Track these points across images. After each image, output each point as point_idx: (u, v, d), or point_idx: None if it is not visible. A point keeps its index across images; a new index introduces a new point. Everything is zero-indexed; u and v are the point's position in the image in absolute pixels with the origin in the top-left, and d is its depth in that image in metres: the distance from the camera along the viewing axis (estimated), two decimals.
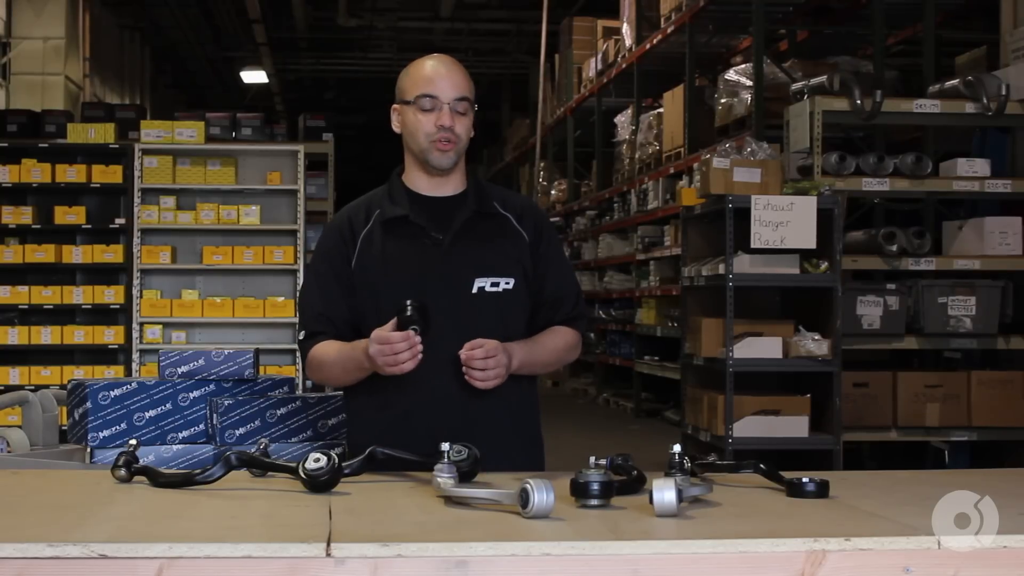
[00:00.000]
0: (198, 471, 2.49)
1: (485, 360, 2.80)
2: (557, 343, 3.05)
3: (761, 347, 6.70)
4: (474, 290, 2.94)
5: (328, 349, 2.97)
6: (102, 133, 9.72)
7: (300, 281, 9.44)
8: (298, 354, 9.30)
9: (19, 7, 15.04)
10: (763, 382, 6.96)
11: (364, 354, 2.82)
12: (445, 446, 2.46)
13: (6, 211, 9.51)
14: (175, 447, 3.78)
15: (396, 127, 3.07)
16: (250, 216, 9.41)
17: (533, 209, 3.14)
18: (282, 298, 9.40)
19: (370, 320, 2.93)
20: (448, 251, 2.94)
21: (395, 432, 2.82)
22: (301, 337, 3.03)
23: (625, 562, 1.93)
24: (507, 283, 2.97)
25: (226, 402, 3.75)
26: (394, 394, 2.91)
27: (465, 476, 2.50)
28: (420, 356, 2.75)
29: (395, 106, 3.05)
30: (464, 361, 2.81)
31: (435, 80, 2.95)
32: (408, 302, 2.75)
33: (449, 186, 3.02)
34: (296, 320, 9.28)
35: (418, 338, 2.74)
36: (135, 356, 9.35)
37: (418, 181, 3.03)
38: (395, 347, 2.74)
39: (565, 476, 2.33)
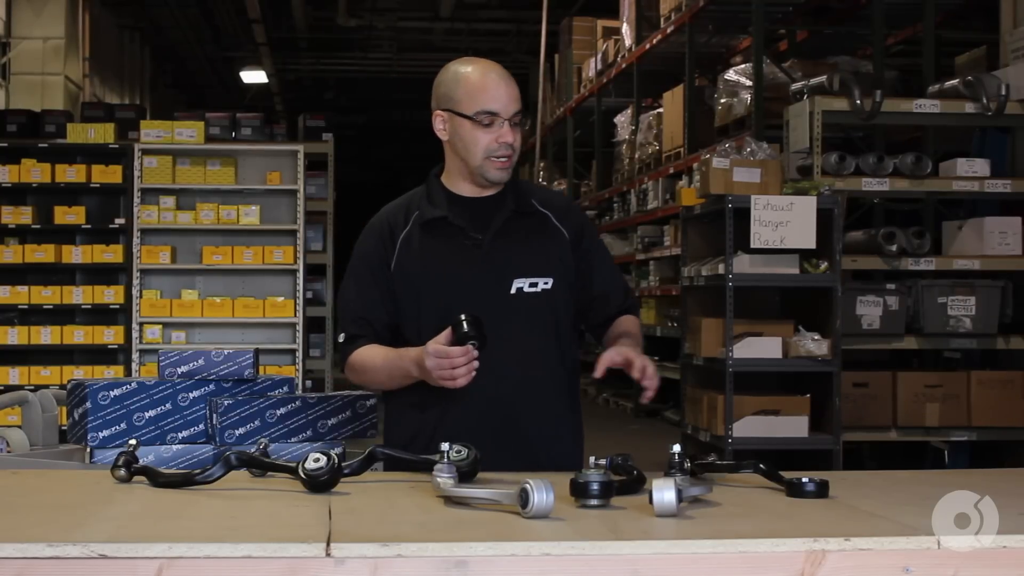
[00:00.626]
0: (198, 471, 2.49)
1: (651, 370, 2.83)
2: (634, 324, 3.10)
3: (761, 347, 6.70)
4: (512, 290, 2.94)
5: (373, 354, 2.95)
6: (102, 133, 9.73)
7: (299, 282, 9.45)
8: (299, 354, 9.38)
9: (19, 7, 15.04)
10: (763, 382, 6.96)
11: (413, 363, 2.81)
12: (445, 446, 2.46)
13: (6, 211, 9.51)
14: (175, 447, 3.78)
15: (442, 134, 2.99)
16: (250, 216, 9.41)
17: (573, 206, 3.16)
18: (282, 298, 9.40)
19: (410, 323, 2.95)
20: (487, 252, 2.94)
21: (435, 434, 2.78)
22: (340, 340, 3.02)
23: (625, 562, 1.93)
24: (545, 283, 2.96)
25: (226, 402, 3.75)
26: (434, 396, 2.89)
27: (465, 476, 2.50)
28: (475, 372, 2.74)
29: (441, 112, 2.97)
30: (649, 382, 2.81)
31: (494, 95, 2.90)
32: (463, 316, 2.73)
33: (489, 187, 3.01)
34: (296, 320, 9.34)
35: (475, 352, 2.73)
36: (135, 356, 9.35)
37: (459, 184, 3.01)
38: (454, 362, 2.72)
39: (565, 476, 2.33)
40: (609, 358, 2.85)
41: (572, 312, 3.04)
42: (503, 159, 2.92)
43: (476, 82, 2.91)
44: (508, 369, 2.90)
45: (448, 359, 2.72)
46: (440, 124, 2.97)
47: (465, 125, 2.91)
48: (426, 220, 2.97)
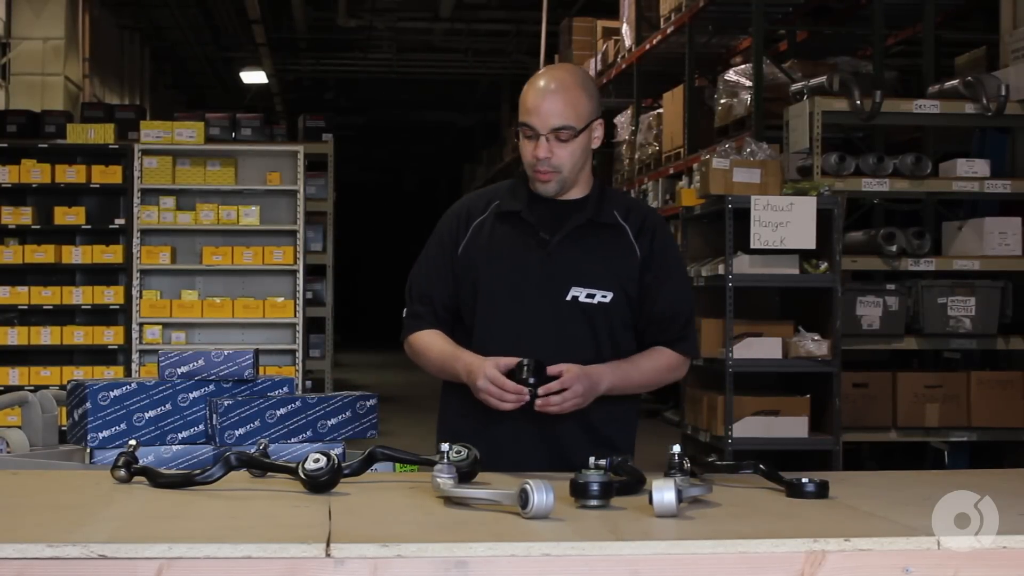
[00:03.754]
0: (198, 471, 2.49)
1: (562, 398, 2.77)
2: (657, 364, 3.01)
3: (761, 347, 6.70)
4: (568, 297, 2.92)
5: (431, 343, 2.99)
6: (102, 133, 9.72)
7: (299, 282, 9.45)
8: (299, 354, 9.38)
9: (19, 7, 15.03)
10: (763, 382, 6.96)
11: (464, 370, 2.85)
12: (445, 446, 2.46)
13: (6, 211, 9.51)
14: (175, 447, 3.78)
15: None
16: (250, 216, 9.41)
17: (654, 221, 3.05)
18: (282, 298, 9.40)
19: (466, 307, 2.98)
20: (550, 253, 2.93)
21: (479, 436, 2.77)
22: (404, 315, 3.07)
23: (625, 562, 1.93)
24: (604, 296, 2.93)
25: (226, 403, 3.75)
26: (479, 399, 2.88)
27: (465, 477, 2.50)
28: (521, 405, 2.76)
29: None
30: (539, 407, 2.77)
31: (532, 110, 2.90)
32: (525, 362, 2.75)
33: (571, 191, 3.00)
34: (296, 320, 9.34)
35: (527, 396, 2.76)
36: (135, 356, 9.35)
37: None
38: (504, 395, 2.76)
39: (565, 476, 2.33)
40: (558, 367, 2.79)
41: (631, 329, 3.01)
42: (543, 173, 2.92)
43: (524, 94, 2.94)
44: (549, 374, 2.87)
45: (500, 390, 2.76)
46: None
47: (520, 133, 2.96)
48: (502, 211, 2.99)
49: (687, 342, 3.05)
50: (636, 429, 3.13)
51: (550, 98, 2.89)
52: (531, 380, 2.76)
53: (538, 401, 2.77)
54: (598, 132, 2.97)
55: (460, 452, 2.56)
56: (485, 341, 2.94)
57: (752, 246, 6.56)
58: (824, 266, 6.66)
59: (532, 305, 2.90)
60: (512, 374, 2.78)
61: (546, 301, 2.92)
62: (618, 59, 13.55)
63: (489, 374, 2.78)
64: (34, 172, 9.50)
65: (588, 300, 2.93)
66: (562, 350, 2.88)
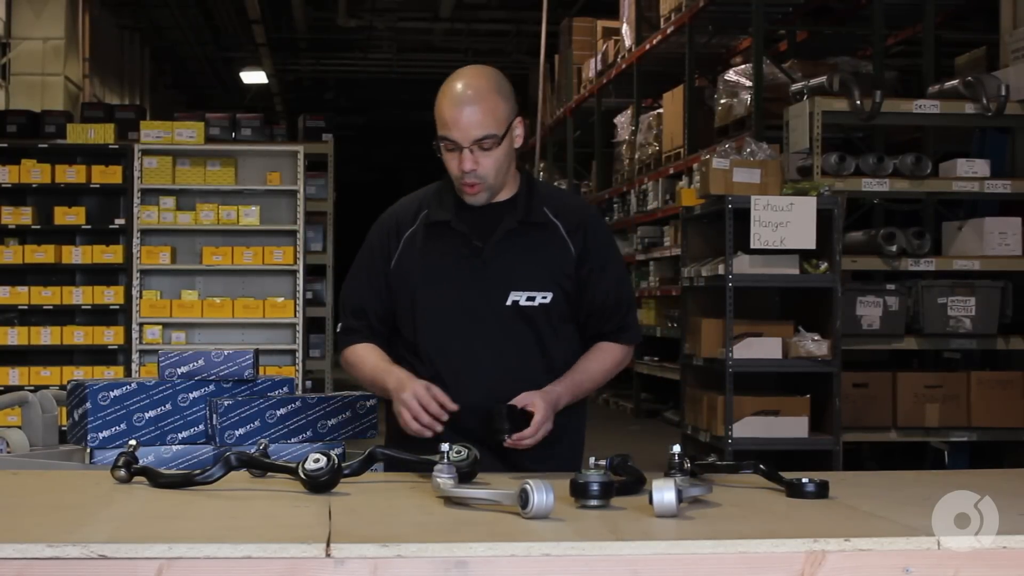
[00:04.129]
0: (198, 471, 2.49)
1: (533, 433, 2.79)
2: (604, 365, 3.02)
3: (761, 347, 6.70)
4: (508, 303, 2.90)
5: (365, 357, 2.98)
6: (102, 133, 9.72)
7: (299, 282, 9.45)
8: (299, 354, 9.37)
9: (19, 7, 15.04)
10: (763, 382, 6.96)
11: (395, 383, 2.84)
12: (445, 446, 2.46)
13: (6, 211, 9.51)
14: (175, 447, 3.78)
15: None
16: (250, 216, 9.41)
17: (585, 215, 3.03)
18: (282, 298, 9.40)
19: (405, 320, 2.96)
20: (486, 262, 2.90)
21: (428, 441, 2.78)
22: (338, 329, 3.05)
23: (625, 562, 1.93)
24: (544, 297, 2.92)
25: (226, 403, 3.75)
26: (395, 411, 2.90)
27: (464, 477, 2.51)
28: (435, 432, 2.77)
29: None
30: (510, 445, 2.78)
31: (451, 123, 2.83)
32: (498, 410, 2.76)
33: (499, 194, 2.96)
34: (296, 320, 9.34)
35: (440, 427, 2.76)
36: (135, 356, 9.35)
37: None
38: (420, 414, 2.76)
39: (565, 476, 2.33)
40: (521, 400, 2.81)
41: (573, 322, 3.00)
42: (469, 186, 2.87)
43: (440, 107, 2.86)
44: (497, 383, 2.88)
45: (418, 407, 2.76)
46: None
47: (440, 144, 2.90)
48: (431, 222, 2.95)
49: (629, 331, 3.05)
50: (584, 436, 3.12)
51: (468, 109, 2.81)
52: (507, 426, 2.77)
53: (508, 440, 2.78)
54: (519, 131, 2.91)
55: (460, 452, 2.56)
56: (432, 356, 2.93)
57: (752, 246, 6.56)
58: (824, 266, 6.66)
59: (474, 315, 2.88)
60: (490, 423, 2.77)
61: (487, 309, 2.90)
62: (618, 59, 13.56)
63: (419, 392, 2.77)
64: (34, 172, 9.50)
65: (529, 303, 2.91)
66: (508, 356, 2.90)
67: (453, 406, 2.79)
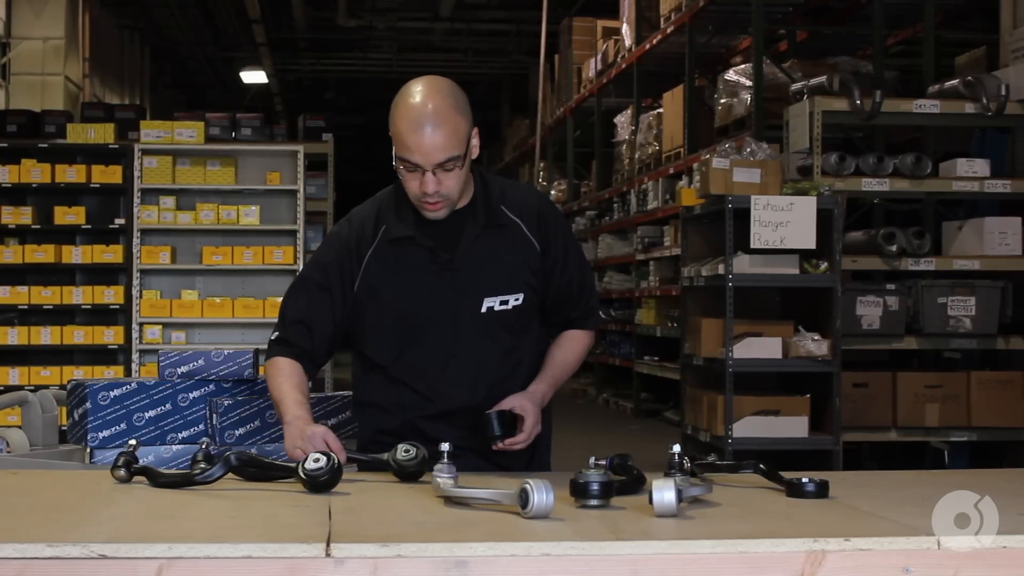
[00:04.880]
0: (198, 471, 2.49)
1: (526, 436, 2.81)
2: (575, 352, 3.05)
3: (761, 347, 6.70)
4: (483, 309, 2.89)
5: (280, 375, 2.90)
6: (102, 133, 9.72)
7: None
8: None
9: (19, 7, 15.04)
10: (763, 382, 6.97)
11: (288, 423, 2.78)
12: (445, 446, 2.47)
13: (6, 211, 9.51)
14: (175, 447, 3.78)
15: None
16: (250, 216, 9.41)
17: (543, 209, 2.99)
18: (282, 298, 9.39)
19: (373, 340, 2.92)
20: (455, 272, 2.87)
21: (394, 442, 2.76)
22: (272, 337, 2.97)
23: (625, 562, 1.93)
24: (516, 299, 2.91)
25: (226, 402, 3.75)
26: (405, 410, 2.91)
27: (411, 476, 2.57)
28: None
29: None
30: (501, 448, 2.80)
31: (413, 148, 2.74)
32: (490, 415, 2.77)
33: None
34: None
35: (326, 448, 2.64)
36: (135, 356, 9.35)
37: None
38: (297, 456, 2.65)
39: (565, 476, 2.33)
40: (509, 404, 2.81)
41: (540, 312, 3.02)
42: (431, 204, 2.81)
43: (398, 128, 2.78)
44: (478, 384, 2.89)
45: (302, 453, 2.62)
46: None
47: (396, 160, 2.82)
48: (393, 238, 2.89)
49: (591, 316, 3.08)
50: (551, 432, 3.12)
51: (430, 135, 2.72)
52: (498, 432, 2.79)
53: (500, 444, 2.79)
54: (475, 141, 2.83)
55: (408, 451, 2.59)
56: (414, 371, 2.90)
57: (752, 246, 6.56)
58: (824, 266, 6.66)
59: (451, 327, 2.87)
60: (482, 430, 2.78)
61: (463, 319, 2.88)
62: (618, 59, 13.56)
63: (311, 435, 2.68)
64: (34, 172, 9.50)
65: (503, 307, 2.91)
66: (487, 361, 2.90)
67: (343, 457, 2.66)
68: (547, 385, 2.93)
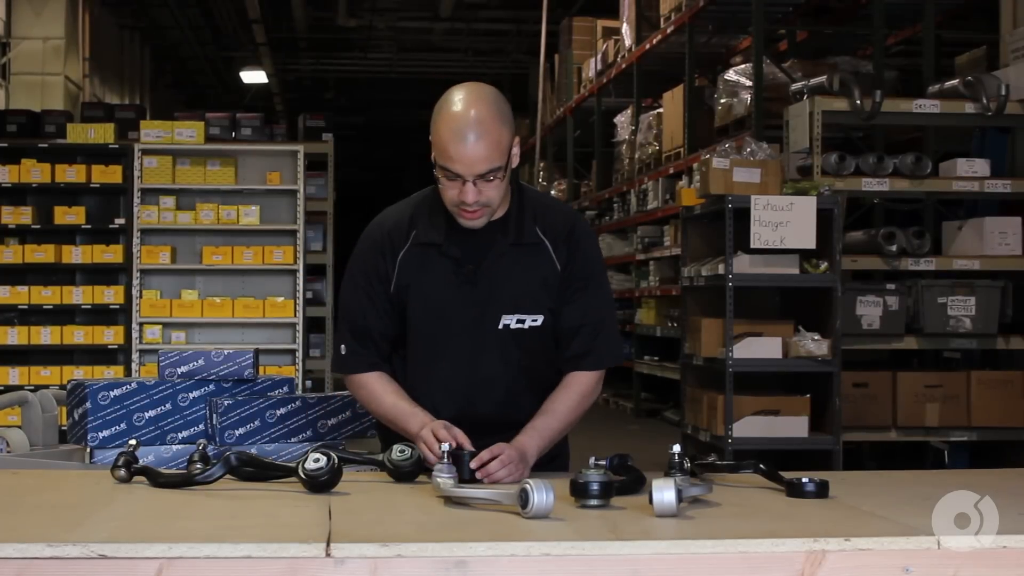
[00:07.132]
0: (198, 471, 2.49)
1: (504, 468, 2.65)
2: (572, 401, 2.89)
3: (761, 347, 6.70)
4: (500, 326, 2.86)
5: (383, 392, 2.88)
6: (102, 133, 9.72)
7: (299, 281, 9.44)
8: (299, 354, 9.37)
9: (19, 7, 15.04)
10: (763, 382, 6.96)
11: (414, 432, 2.75)
12: (445, 446, 2.47)
13: (6, 211, 9.50)
14: (175, 447, 3.78)
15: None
16: (250, 216, 9.40)
17: (575, 233, 2.92)
18: (282, 298, 9.39)
19: (407, 337, 2.91)
20: (476, 285, 2.85)
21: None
22: (342, 352, 2.95)
23: (625, 562, 1.93)
24: (534, 320, 2.87)
25: (226, 402, 3.75)
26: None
27: (406, 476, 2.58)
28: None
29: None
30: (481, 475, 2.65)
31: (455, 158, 2.70)
32: (465, 453, 2.67)
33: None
34: (296, 320, 9.34)
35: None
36: (135, 356, 9.35)
37: None
38: (429, 456, 2.65)
39: (565, 476, 2.33)
40: (490, 451, 2.66)
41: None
42: (470, 212, 2.77)
43: (442, 136, 2.71)
44: (486, 404, 2.88)
45: (427, 450, 2.65)
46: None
47: (436, 168, 2.77)
48: (421, 243, 2.88)
49: (594, 356, 2.92)
50: (569, 447, 3.06)
51: (473, 146, 2.68)
52: (467, 475, 2.65)
53: (478, 473, 2.65)
54: (516, 150, 2.79)
55: (403, 452, 2.59)
56: (423, 379, 2.90)
57: (752, 246, 6.56)
58: (824, 266, 6.66)
59: (467, 338, 2.85)
60: (455, 459, 2.68)
61: (479, 333, 2.86)
62: (618, 59, 13.55)
63: (425, 437, 2.68)
64: (34, 172, 9.50)
65: (520, 326, 2.87)
66: (501, 378, 2.87)
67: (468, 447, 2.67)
68: (535, 440, 2.79)
